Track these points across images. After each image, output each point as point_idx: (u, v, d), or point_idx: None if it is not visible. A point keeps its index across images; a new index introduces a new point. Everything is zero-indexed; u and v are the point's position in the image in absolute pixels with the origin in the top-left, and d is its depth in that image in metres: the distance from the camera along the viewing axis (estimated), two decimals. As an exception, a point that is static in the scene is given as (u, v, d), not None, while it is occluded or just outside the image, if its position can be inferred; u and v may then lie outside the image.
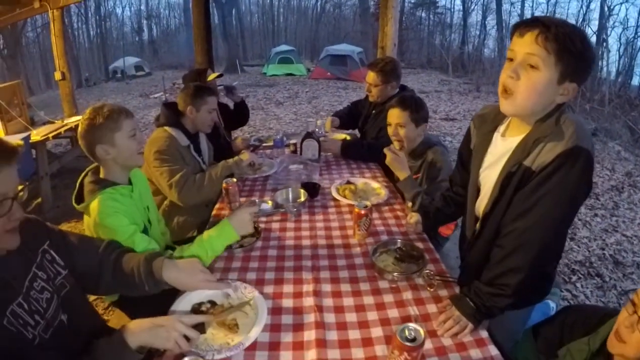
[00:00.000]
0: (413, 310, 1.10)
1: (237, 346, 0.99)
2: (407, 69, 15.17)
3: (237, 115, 2.82)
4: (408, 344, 0.82)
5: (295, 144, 2.28)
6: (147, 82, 13.98)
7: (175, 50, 24.49)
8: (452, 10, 22.30)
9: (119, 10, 26.24)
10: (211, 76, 2.54)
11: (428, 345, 0.98)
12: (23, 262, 0.91)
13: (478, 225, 1.13)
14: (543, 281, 1.14)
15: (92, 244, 1.12)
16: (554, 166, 0.87)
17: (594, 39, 14.79)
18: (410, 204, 1.59)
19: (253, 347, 1.00)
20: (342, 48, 12.96)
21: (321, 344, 0.99)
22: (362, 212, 1.40)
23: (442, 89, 10.39)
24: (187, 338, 0.89)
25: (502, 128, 1.06)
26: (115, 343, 0.84)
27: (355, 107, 2.65)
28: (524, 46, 0.85)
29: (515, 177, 0.95)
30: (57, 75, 4.87)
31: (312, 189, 1.81)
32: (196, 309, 1.11)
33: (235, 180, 1.75)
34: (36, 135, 3.92)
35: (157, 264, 1.05)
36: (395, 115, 1.75)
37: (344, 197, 1.76)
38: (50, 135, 4.28)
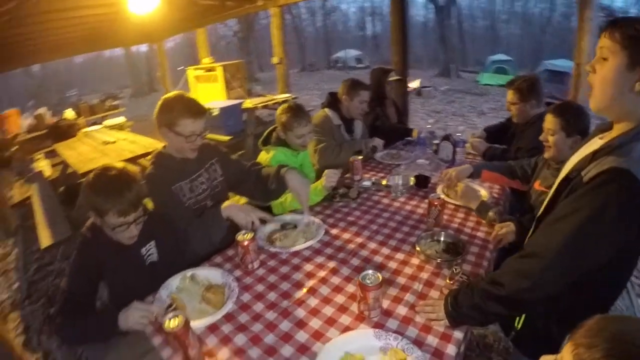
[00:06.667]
0: (417, 286, 1.21)
1: (287, 250, 1.45)
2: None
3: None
4: (365, 283, 1.03)
5: (437, 144, 2.39)
6: (365, 74, 15.32)
7: (396, 47, 25.92)
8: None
9: (344, 6, 29.12)
10: (392, 78, 2.92)
11: (401, 310, 1.11)
12: (197, 164, 1.64)
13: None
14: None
15: (242, 162, 1.84)
16: (596, 182, 0.83)
17: None
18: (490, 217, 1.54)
19: (296, 254, 1.44)
20: (562, 64, 10.66)
21: (345, 262, 1.37)
22: (434, 202, 1.51)
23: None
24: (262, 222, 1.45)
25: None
26: (215, 210, 1.47)
27: (507, 123, 2.48)
28: (600, 43, 0.88)
29: (570, 183, 0.93)
30: (275, 60, 6.07)
31: (422, 181, 1.96)
32: (283, 225, 1.65)
33: (360, 157, 2.13)
34: (248, 103, 5.34)
35: (284, 169, 1.63)
36: (548, 121, 1.62)
37: (447, 195, 1.82)
38: (259, 105, 5.51)
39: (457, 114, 7.95)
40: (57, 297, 1.43)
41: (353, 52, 21.34)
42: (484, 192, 1.81)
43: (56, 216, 3.18)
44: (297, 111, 1.92)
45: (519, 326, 1.10)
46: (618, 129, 0.90)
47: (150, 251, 1.39)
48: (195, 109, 1.51)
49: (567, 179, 0.95)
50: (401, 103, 4.15)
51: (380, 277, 1.04)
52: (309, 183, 1.60)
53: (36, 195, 3.81)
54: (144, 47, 19.71)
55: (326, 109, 2.50)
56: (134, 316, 1.09)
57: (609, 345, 0.54)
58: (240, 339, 1.05)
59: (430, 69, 18.58)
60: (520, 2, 24.53)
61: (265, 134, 2.07)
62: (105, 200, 1.17)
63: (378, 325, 1.05)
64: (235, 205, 1.49)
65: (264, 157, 2.00)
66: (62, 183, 4.58)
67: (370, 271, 1.06)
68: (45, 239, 2.79)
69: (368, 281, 1.03)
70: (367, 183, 2.07)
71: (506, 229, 1.39)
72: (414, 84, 11.32)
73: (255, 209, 1.49)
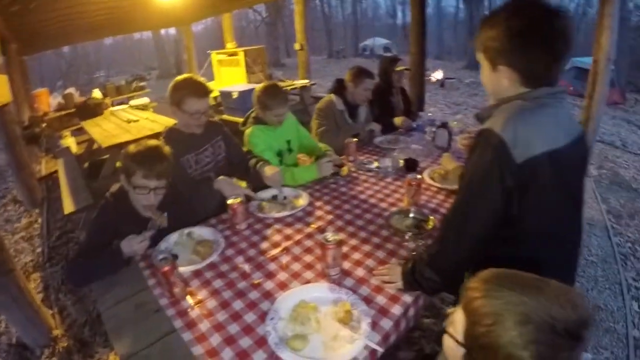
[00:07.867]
0: (380, 253, 1.34)
1: (273, 216, 1.61)
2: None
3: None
4: (325, 243, 1.17)
5: (434, 132, 2.46)
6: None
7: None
8: None
9: (374, -7, 28.21)
10: (399, 68, 2.97)
11: (359, 272, 1.25)
12: (203, 140, 1.83)
13: None
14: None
15: (241, 147, 2.02)
16: (472, 147, 0.93)
17: None
18: None
19: (280, 220, 1.60)
20: (590, 62, 9.61)
21: (321, 229, 1.51)
22: (412, 182, 1.62)
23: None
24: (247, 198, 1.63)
25: None
26: (209, 182, 1.67)
27: None
28: None
29: None
30: (297, 46, 6.12)
31: (412, 164, 2.06)
32: (274, 196, 1.82)
33: (355, 140, 2.25)
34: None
35: (260, 164, 1.84)
36: None
37: (432, 178, 1.92)
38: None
39: (478, 107, 7.80)
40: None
41: (381, 41, 21.08)
42: None
43: (79, 186, 3.48)
44: (275, 92, 2.01)
45: None
46: None
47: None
48: (200, 90, 1.69)
49: None
50: (418, 93, 4.16)
51: (339, 238, 1.17)
52: (280, 172, 1.81)
53: (62, 169, 4.13)
54: (173, 30, 20.15)
55: (332, 95, 2.61)
56: (134, 240, 1.31)
57: (488, 287, 0.66)
58: (217, 283, 1.23)
59: (459, 61, 18.20)
60: (556, -5, 23.49)
61: (245, 118, 2.19)
62: (138, 162, 1.37)
63: (336, 283, 1.19)
64: (225, 180, 1.67)
65: (245, 135, 2.12)
66: (87, 159, 4.93)
67: (330, 232, 1.20)
68: (68, 206, 3.07)
69: (327, 240, 1.17)
70: (359, 163, 2.19)
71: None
72: (436, 75, 11.09)
73: (240, 186, 1.68)
